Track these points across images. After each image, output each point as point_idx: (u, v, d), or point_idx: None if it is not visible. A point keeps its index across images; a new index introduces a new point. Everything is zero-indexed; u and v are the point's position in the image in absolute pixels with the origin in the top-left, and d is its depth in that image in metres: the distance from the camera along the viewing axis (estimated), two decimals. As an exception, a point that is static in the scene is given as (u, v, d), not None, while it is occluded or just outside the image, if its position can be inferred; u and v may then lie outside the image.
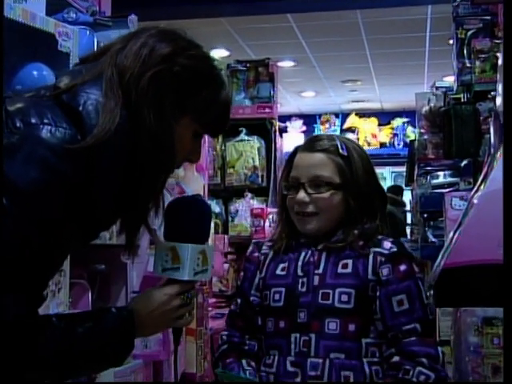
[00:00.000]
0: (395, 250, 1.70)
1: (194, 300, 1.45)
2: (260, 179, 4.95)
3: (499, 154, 1.74)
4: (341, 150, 1.75)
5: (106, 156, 1.23)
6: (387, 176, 10.47)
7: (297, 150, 1.83)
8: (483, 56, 3.61)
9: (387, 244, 1.71)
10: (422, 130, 4.71)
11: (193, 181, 3.19)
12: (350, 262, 1.70)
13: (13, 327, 1.14)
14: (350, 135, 9.73)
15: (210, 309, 3.54)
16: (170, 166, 1.35)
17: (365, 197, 1.74)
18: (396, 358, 1.63)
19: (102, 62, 1.31)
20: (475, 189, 1.91)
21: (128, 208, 1.31)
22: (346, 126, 10.61)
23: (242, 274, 1.84)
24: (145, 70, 1.28)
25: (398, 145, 10.39)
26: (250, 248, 1.87)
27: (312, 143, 1.80)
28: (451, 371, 1.73)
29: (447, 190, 3.59)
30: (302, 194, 1.74)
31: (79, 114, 1.23)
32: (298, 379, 1.65)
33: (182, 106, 1.32)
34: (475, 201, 1.77)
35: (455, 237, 1.78)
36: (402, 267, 1.68)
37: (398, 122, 10.54)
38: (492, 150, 2.85)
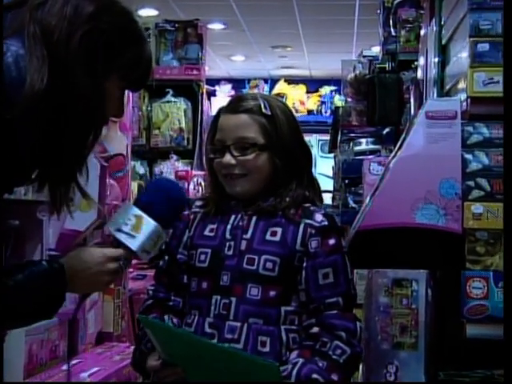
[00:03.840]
0: (326, 223, 1.70)
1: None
2: (186, 141, 4.92)
3: (415, 120, 1.78)
4: (264, 110, 1.73)
5: (27, 114, 1.20)
6: (314, 144, 10.52)
7: (220, 111, 1.80)
8: (408, 26, 3.66)
9: (319, 217, 1.71)
10: (349, 99, 4.77)
11: (116, 140, 3.13)
12: (279, 230, 1.69)
13: None
14: (278, 101, 9.73)
15: (131, 270, 3.51)
16: (100, 124, 1.35)
17: (291, 155, 1.74)
18: (315, 329, 1.64)
19: (22, 16, 1.27)
20: (392, 154, 1.95)
21: (55, 165, 1.30)
22: (274, 91, 10.59)
23: (171, 231, 1.82)
24: (73, 29, 1.26)
25: (326, 112, 10.45)
26: None
27: (235, 104, 1.77)
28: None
29: (369, 156, 3.65)
30: (227, 158, 1.72)
31: None
32: (215, 341, 1.65)
33: (111, 64, 1.32)
34: (391, 166, 1.80)
35: (371, 201, 1.82)
36: (331, 241, 1.69)
37: (325, 89, 10.60)
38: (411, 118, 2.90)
